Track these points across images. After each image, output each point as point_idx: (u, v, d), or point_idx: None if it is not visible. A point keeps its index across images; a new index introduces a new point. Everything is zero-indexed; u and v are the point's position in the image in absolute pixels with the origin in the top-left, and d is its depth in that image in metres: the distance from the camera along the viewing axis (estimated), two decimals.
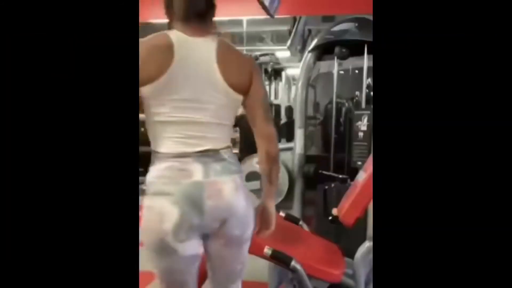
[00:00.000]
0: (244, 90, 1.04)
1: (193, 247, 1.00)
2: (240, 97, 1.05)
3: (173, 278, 1.02)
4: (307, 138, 2.95)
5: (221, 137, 1.04)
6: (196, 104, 0.98)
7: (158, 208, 0.96)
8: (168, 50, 0.95)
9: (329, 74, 3.30)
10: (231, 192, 1.00)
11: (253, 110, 1.07)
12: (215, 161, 1.00)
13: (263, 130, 1.07)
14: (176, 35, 0.98)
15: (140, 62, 0.88)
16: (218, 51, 1.00)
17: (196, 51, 0.98)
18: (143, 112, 1.03)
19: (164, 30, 1.15)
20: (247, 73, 1.04)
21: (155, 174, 0.98)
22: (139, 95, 0.95)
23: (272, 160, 1.08)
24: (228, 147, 1.06)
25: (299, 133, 2.83)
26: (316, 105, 4.00)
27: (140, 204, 0.83)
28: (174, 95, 0.96)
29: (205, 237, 1.04)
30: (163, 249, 0.97)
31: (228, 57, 1.02)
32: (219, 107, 1.01)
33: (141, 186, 1.04)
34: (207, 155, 0.99)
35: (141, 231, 0.98)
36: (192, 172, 0.96)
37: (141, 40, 0.95)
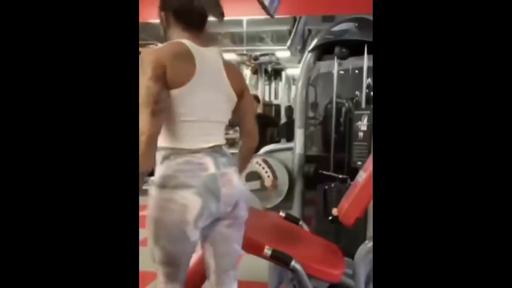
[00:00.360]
0: (239, 94, 1.21)
1: (199, 233, 1.11)
2: (236, 100, 1.21)
3: (175, 261, 1.11)
4: (307, 138, 2.95)
5: (222, 134, 1.20)
6: (212, 106, 1.13)
7: (181, 199, 1.04)
8: (190, 59, 1.07)
9: (329, 74, 3.29)
10: (238, 180, 1.17)
11: (245, 111, 1.27)
12: (221, 156, 1.14)
13: (252, 129, 1.30)
14: (190, 45, 1.09)
15: (167, 68, 1.01)
16: (222, 61, 1.17)
17: (209, 60, 1.12)
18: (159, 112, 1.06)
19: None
20: (241, 80, 1.25)
21: (175, 168, 1.06)
22: (170, 96, 1.04)
23: (254, 151, 1.37)
24: (225, 144, 1.21)
25: (299, 133, 2.82)
26: (315, 105, 3.98)
27: (140, 204, 0.83)
28: (197, 98, 1.09)
29: (211, 222, 1.13)
30: (179, 237, 1.06)
31: (228, 65, 1.19)
32: (225, 108, 1.18)
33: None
34: (215, 150, 1.13)
35: (154, 222, 1.04)
36: (208, 165, 1.09)
37: (158, 47, 1.07)
